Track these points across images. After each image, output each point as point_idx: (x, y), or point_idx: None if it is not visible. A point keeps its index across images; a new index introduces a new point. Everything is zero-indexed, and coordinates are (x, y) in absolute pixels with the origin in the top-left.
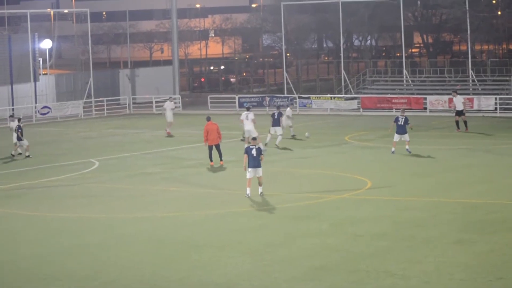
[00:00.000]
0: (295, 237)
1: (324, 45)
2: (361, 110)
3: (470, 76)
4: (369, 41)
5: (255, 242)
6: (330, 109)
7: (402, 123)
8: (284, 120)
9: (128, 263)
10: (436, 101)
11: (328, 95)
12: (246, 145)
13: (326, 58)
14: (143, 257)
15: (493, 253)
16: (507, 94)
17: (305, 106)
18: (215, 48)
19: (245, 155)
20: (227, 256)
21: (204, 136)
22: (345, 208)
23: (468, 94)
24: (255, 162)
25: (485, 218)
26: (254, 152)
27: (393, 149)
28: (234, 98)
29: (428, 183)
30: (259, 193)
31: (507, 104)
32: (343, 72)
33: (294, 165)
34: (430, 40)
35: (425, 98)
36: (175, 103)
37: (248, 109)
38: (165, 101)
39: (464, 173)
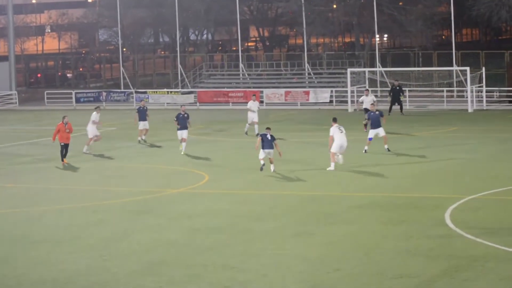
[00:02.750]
0: (133, 231)
1: (161, 40)
2: (197, 104)
3: (306, 69)
4: (205, 35)
5: (93, 237)
6: (167, 103)
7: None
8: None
9: None
10: (272, 94)
11: (165, 90)
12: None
13: (163, 52)
14: None
15: (331, 245)
16: (342, 87)
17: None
18: (51, 44)
19: (259, 138)
20: (65, 252)
21: (54, 134)
22: (182, 202)
23: (304, 87)
24: (268, 145)
25: (322, 210)
26: (268, 136)
27: (366, 147)
28: (71, 93)
29: (265, 176)
30: (272, 170)
31: (343, 96)
32: (179, 66)
33: (132, 160)
34: (266, 34)
35: (262, 92)
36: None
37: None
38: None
39: (301, 165)
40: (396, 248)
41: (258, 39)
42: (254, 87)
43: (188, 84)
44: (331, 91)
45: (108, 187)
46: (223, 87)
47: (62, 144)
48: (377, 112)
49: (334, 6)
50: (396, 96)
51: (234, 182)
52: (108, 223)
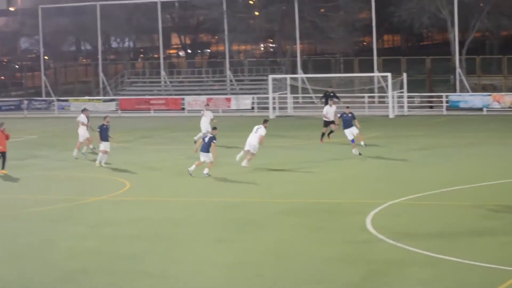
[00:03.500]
0: (53, 240)
1: (83, 48)
2: (119, 111)
3: (228, 76)
4: (127, 43)
5: (12, 246)
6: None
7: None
8: None
9: None
10: (194, 102)
11: (87, 97)
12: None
13: (84, 60)
14: None
15: (250, 252)
16: (264, 94)
17: (63, 108)
18: None
19: (201, 140)
20: None
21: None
22: (103, 210)
23: (226, 94)
24: (204, 147)
25: (242, 216)
26: (206, 139)
27: (354, 150)
28: None
29: (186, 183)
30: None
31: (265, 103)
32: (101, 74)
33: (53, 169)
34: (188, 41)
35: (183, 99)
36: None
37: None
38: None
39: (222, 172)
40: (316, 253)
41: (180, 46)
42: (176, 94)
43: (110, 91)
44: (253, 98)
45: (29, 195)
46: (145, 95)
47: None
48: (349, 114)
49: (256, 13)
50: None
51: (155, 190)
52: (29, 231)
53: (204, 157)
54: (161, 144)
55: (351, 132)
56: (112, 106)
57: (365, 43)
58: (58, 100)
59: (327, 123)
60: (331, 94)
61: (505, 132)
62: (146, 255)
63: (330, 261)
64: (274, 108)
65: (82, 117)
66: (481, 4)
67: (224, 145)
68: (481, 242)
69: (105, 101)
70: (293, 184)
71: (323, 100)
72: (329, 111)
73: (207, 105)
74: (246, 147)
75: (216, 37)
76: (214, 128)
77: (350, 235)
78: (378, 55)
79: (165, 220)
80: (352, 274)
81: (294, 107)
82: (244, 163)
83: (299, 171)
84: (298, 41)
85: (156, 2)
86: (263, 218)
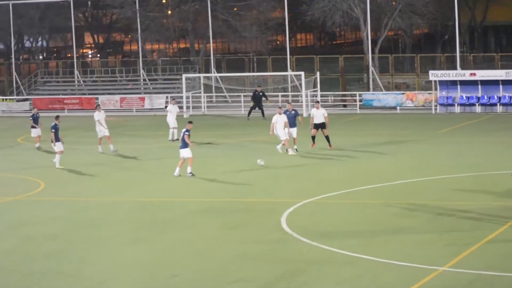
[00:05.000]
0: None
1: None
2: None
3: (142, 76)
4: (40, 42)
5: None
6: (2, 111)
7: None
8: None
9: None
10: (108, 101)
11: (0, 97)
12: None
13: None
14: None
15: (167, 251)
16: (178, 93)
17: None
18: None
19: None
20: None
21: None
22: (18, 210)
23: (140, 93)
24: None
25: (159, 216)
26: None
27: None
28: None
29: (101, 183)
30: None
31: (178, 102)
32: (14, 73)
33: None
34: (101, 40)
35: (97, 98)
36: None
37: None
38: None
39: (138, 171)
40: (232, 252)
41: (93, 45)
42: (89, 94)
43: (24, 91)
44: (166, 97)
45: None
46: (59, 94)
47: None
48: (292, 112)
49: (169, 12)
50: (258, 101)
51: (70, 189)
52: None
53: (184, 153)
54: (76, 144)
55: (287, 134)
56: (26, 105)
57: (278, 42)
58: None
59: (316, 126)
60: (260, 93)
61: (418, 130)
62: (61, 255)
63: (248, 259)
64: (188, 107)
65: (97, 115)
66: (394, 3)
67: (138, 145)
68: (396, 241)
69: (18, 100)
70: (211, 183)
71: (253, 99)
72: (316, 114)
73: (174, 99)
74: (283, 137)
75: (130, 36)
76: (190, 122)
77: (267, 234)
78: (291, 54)
79: (81, 220)
80: (269, 273)
81: (208, 106)
82: (290, 152)
83: (217, 171)
84: (211, 40)
85: (68, 1)
86: (180, 218)
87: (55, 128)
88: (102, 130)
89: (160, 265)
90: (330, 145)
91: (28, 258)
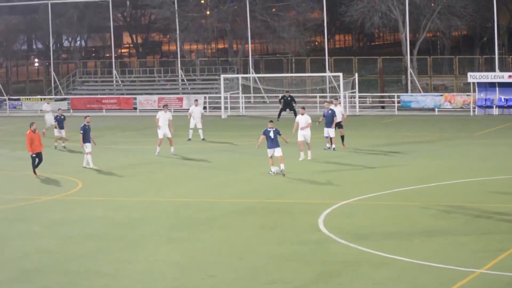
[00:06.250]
0: (7, 239)
1: (34, 46)
2: (71, 111)
3: (180, 76)
4: (78, 42)
5: None
6: (40, 110)
7: (273, 136)
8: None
9: None
10: (146, 101)
11: (38, 97)
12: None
13: (36, 59)
14: None
15: (204, 251)
16: (216, 93)
17: (15, 108)
18: None
19: (262, 136)
20: None
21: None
22: (56, 210)
23: (178, 93)
24: (273, 143)
25: (196, 216)
26: (271, 134)
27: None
28: None
29: (140, 183)
30: (281, 170)
31: (216, 103)
32: (53, 73)
33: (4, 167)
34: (140, 40)
35: (135, 98)
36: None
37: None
38: None
39: (180, 171)
40: (269, 253)
41: (131, 45)
42: (127, 94)
43: (62, 91)
44: (205, 97)
45: None
46: (97, 94)
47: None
48: (329, 112)
49: (208, 12)
50: (288, 104)
51: (108, 189)
52: None
53: (277, 152)
54: (114, 144)
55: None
56: (64, 105)
57: (316, 43)
58: (9, 99)
59: (337, 125)
60: (288, 98)
61: (456, 132)
62: (99, 254)
63: (285, 260)
64: (226, 108)
65: (162, 114)
66: (432, 4)
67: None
68: (433, 243)
69: (57, 100)
70: (247, 184)
71: (281, 101)
72: (336, 111)
73: (196, 100)
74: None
75: (168, 36)
76: (271, 121)
77: (304, 235)
78: (329, 55)
79: (118, 219)
80: (306, 274)
81: (246, 107)
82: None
83: (254, 171)
84: (249, 41)
85: (107, 1)
86: (217, 218)
87: (84, 129)
88: (164, 131)
89: (197, 265)
90: (331, 145)
91: (65, 257)
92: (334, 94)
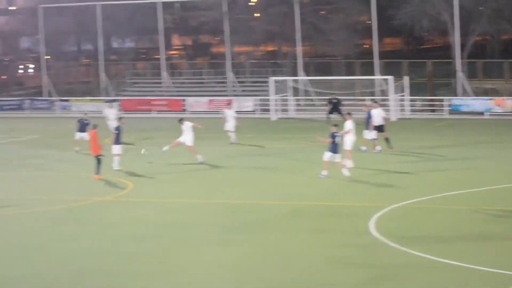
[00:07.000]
0: (56, 241)
1: (83, 48)
2: (121, 112)
3: (229, 78)
4: (128, 44)
5: (16, 247)
6: (90, 111)
7: (339, 142)
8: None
9: None
10: (195, 103)
11: (88, 98)
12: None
13: (85, 60)
14: None
15: (254, 254)
16: (265, 96)
17: (65, 108)
18: None
19: (330, 139)
20: None
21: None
22: (105, 211)
23: (227, 95)
24: (336, 148)
25: (246, 219)
26: (338, 139)
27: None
28: None
29: (191, 185)
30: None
31: (266, 105)
32: (102, 74)
33: (55, 169)
34: (189, 42)
35: (185, 100)
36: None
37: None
38: None
39: (229, 173)
40: (320, 256)
41: (181, 47)
42: (177, 95)
43: (111, 92)
44: (255, 100)
45: (31, 196)
46: (146, 95)
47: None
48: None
49: (257, 14)
50: (335, 107)
51: (158, 191)
52: (30, 232)
53: (338, 158)
54: (165, 145)
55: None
56: (115, 106)
57: (366, 46)
58: (59, 100)
59: (378, 128)
60: (335, 101)
61: (506, 136)
62: (150, 256)
63: (334, 264)
64: (275, 110)
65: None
66: (481, 8)
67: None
68: (483, 246)
69: (106, 101)
70: (296, 186)
71: (328, 104)
72: (374, 114)
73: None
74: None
75: (217, 38)
76: (335, 125)
77: (354, 238)
78: (379, 58)
79: (169, 221)
80: (356, 277)
81: (296, 110)
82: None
83: (301, 173)
84: (299, 43)
85: (156, 3)
86: (266, 221)
87: (118, 129)
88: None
89: (247, 268)
90: (390, 147)
91: (116, 258)
92: (383, 97)
